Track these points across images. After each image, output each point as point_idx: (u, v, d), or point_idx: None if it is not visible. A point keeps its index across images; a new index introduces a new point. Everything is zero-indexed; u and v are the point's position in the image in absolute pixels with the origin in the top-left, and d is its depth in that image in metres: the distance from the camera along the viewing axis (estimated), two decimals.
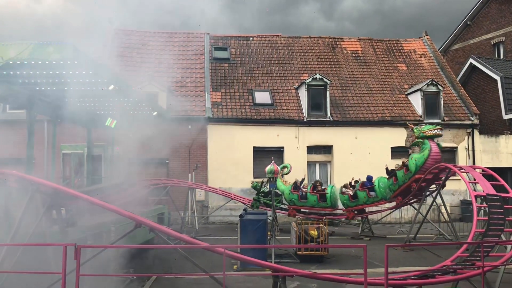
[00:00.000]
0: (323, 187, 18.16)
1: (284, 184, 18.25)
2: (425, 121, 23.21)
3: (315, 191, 17.73)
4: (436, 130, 15.36)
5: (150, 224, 7.82)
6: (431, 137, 15.47)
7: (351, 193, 17.46)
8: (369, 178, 17.74)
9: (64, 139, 19.28)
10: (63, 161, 19.26)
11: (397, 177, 16.26)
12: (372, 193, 17.13)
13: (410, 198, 16.57)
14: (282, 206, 18.54)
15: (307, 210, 18.10)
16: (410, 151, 16.70)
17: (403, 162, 16.45)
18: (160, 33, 26.70)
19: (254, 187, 18.75)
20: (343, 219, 20.21)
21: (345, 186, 18.01)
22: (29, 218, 8.84)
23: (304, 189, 17.93)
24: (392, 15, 75.32)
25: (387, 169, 17.27)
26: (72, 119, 14.39)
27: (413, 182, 15.58)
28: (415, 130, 15.73)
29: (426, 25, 76.37)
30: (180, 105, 22.24)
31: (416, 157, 15.45)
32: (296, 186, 18.02)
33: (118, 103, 13.53)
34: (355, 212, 17.63)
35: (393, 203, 17.05)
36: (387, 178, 16.91)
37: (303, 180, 18.72)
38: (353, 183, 18.11)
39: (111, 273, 9.85)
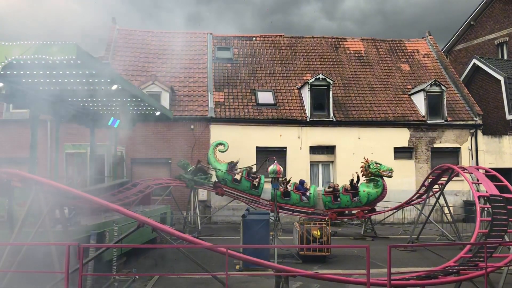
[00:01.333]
0: (256, 176, 18.68)
1: (218, 162, 18.67)
2: (428, 122, 23.20)
3: (250, 177, 18.40)
4: (391, 173, 17.26)
5: (153, 224, 7.84)
6: (385, 177, 17.32)
7: (282, 190, 18.01)
8: (302, 182, 18.65)
9: (67, 138, 19.33)
10: (66, 160, 19.28)
11: (341, 198, 17.73)
12: (304, 198, 17.98)
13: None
14: (208, 182, 18.82)
15: (236, 193, 18.73)
16: (364, 180, 17.77)
17: (346, 189, 17.74)
18: (163, 33, 26.75)
19: (181, 166, 18.67)
20: (345, 220, 20.23)
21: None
22: (32, 218, 8.88)
23: (236, 172, 18.52)
24: (394, 16, 75.21)
25: (352, 180, 18.11)
26: (75, 118, 14.42)
27: (360, 211, 17.43)
28: (371, 166, 17.29)
29: (428, 26, 76.18)
30: (182, 105, 22.30)
31: (370, 192, 17.25)
32: (231, 167, 18.57)
33: (121, 103, 13.52)
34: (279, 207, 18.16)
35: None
36: (324, 194, 17.98)
37: (237, 162, 19.05)
38: (284, 182, 18.64)
39: (113, 273, 9.89)
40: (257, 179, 18.41)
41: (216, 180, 18.79)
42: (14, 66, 8.91)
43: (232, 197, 19.00)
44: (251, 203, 18.52)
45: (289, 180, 18.71)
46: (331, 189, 18.11)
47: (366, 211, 17.60)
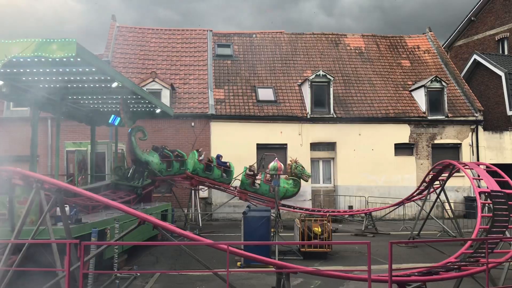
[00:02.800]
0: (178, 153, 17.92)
1: (146, 153, 16.78)
2: (429, 118, 23.17)
3: (179, 158, 17.81)
4: (308, 178, 18.40)
5: (154, 221, 7.83)
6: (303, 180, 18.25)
7: (205, 163, 17.63)
8: (218, 157, 18.40)
9: (67, 136, 19.33)
10: (67, 158, 19.28)
11: (260, 186, 18.06)
12: (224, 174, 17.98)
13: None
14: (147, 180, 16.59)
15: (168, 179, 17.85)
16: (285, 177, 18.28)
17: (267, 179, 17.85)
18: (163, 30, 26.72)
19: (117, 173, 16.02)
20: (346, 216, 20.24)
21: (200, 154, 17.86)
22: (33, 215, 8.89)
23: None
24: (393, 12, 74.99)
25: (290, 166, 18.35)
26: (75, 116, 14.41)
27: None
28: (298, 168, 18.00)
29: (427, 21, 75.76)
30: (183, 102, 22.28)
31: (288, 189, 17.97)
32: (161, 152, 17.18)
33: (122, 101, 13.50)
34: (198, 181, 17.90)
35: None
36: (245, 175, 17.94)
37: (164, 147, 17.78)
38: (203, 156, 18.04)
39: (114, 271, 9.90)
40: (183, 158, 17.69)
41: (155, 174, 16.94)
42: (14, 64, 8.89)
43: (166, 184, 18.63)
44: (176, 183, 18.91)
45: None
46: (251, 173, 18.16)
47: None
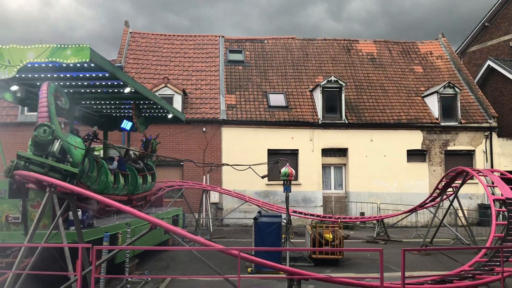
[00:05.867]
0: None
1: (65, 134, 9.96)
2: (442, 124, 22.96)
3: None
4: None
5: (165, 226, 7.85)
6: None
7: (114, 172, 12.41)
8: (121, 162, 13.40)
9: None
10: None
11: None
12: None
13: None
14: None
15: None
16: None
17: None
18: (176, 36, 26.92)
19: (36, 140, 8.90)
20: (358, 223, 20.10)
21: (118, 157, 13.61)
22: (46, 219, 8.95)
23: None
24: (401, 17, 74.67)
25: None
26: (88, 121, 14.53)
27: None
28: (157, 144, 15.75)
29: (437, 27, 75.24)
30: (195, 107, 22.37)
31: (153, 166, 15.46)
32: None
33: (134, 106, 13.58)
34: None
35: None
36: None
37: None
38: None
39: (126, 275, 9.92)
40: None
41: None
42: (29, 69, 9.01)
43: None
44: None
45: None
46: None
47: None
